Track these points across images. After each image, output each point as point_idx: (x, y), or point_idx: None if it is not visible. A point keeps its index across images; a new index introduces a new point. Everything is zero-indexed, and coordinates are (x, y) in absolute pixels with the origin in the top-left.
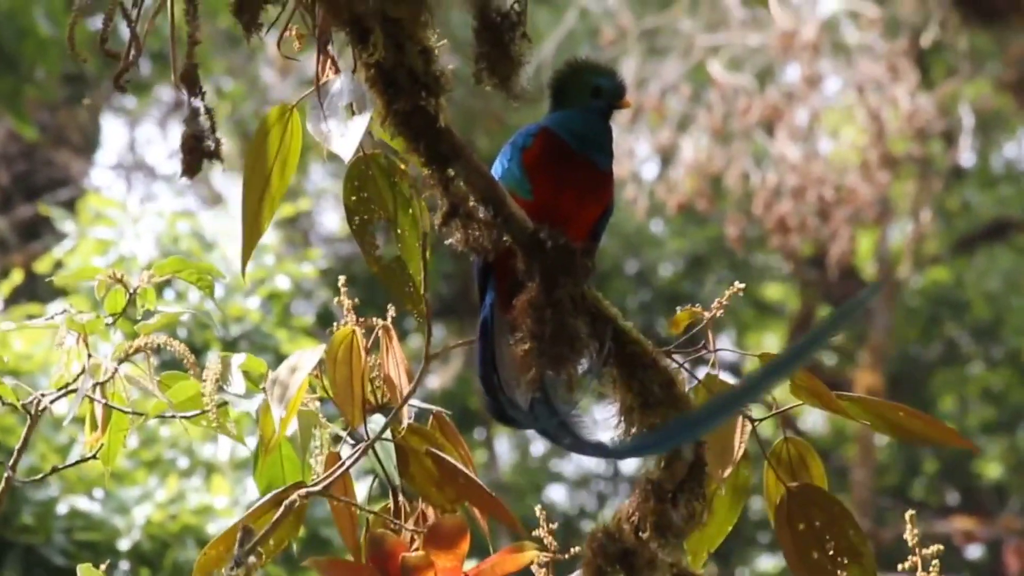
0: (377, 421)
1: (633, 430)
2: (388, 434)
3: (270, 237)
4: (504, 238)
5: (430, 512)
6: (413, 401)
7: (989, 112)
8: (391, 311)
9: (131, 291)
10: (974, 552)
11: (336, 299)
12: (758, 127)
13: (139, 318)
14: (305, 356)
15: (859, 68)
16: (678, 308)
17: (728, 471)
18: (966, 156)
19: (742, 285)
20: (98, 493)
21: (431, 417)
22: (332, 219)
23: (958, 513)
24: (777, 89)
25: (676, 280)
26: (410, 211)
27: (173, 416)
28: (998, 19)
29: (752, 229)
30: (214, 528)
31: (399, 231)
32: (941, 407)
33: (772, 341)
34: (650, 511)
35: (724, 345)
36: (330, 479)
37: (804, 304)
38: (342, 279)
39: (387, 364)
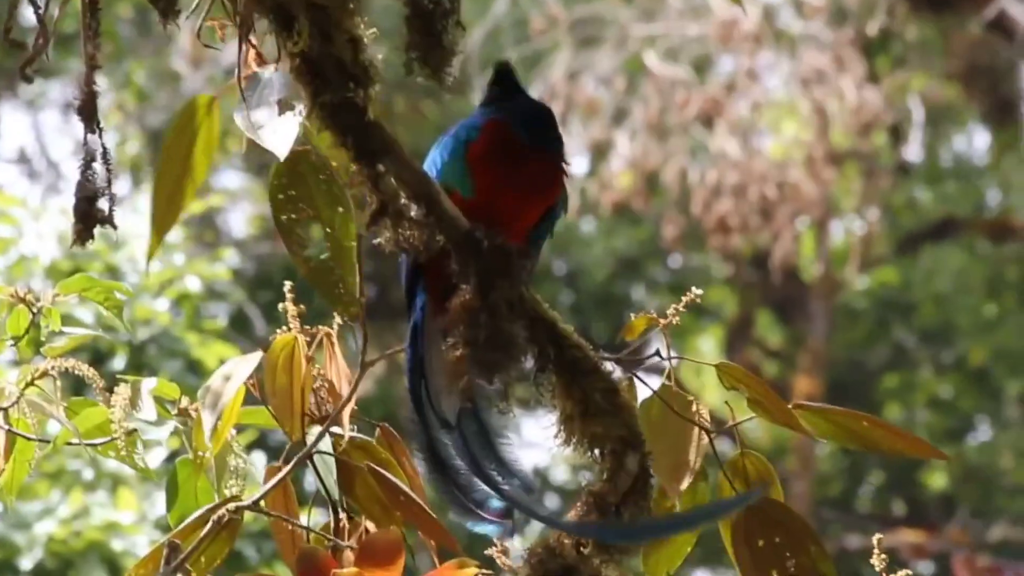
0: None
1: (574, 440)
2: (330, 448)
3: (178, 235)
4: (437, 238)
5: (374, 531)
6: (357, 413)
7: (938, 105)
8: (337, 318)
9: (34, 311)
10: (924, 567)
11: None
12: (696, 121)
13: (43, 339)
14: (240, 363)
15: (803, 59)
16: (632, 315)
17: (684, 485)
18: (914, 151)
19: (699, 292)
20: None
21: (376, 430)
22: (243, 219)
23: (904, 525)
24: (716, 81)
25: (608, 282)
26: (340, 209)
27: (80, 443)
28: (948, 7)
29: (690, 229)
30: (120, 545)
31: (328, 230)
32: (887, 414)
33: (709, 346)
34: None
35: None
36: (264, 494)
37: (743, 308)
38: (288, 285)
39: (330, 373)
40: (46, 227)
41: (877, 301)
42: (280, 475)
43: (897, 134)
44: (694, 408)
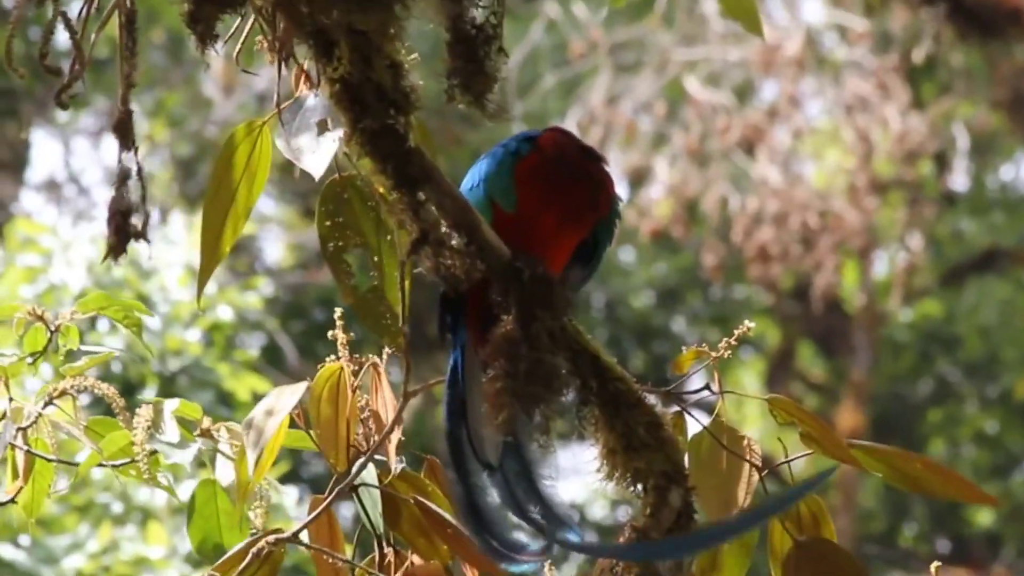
0: (366, 467)
1: (616, 474)
2: (375, 481)
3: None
4: (478, 267)
5: (420, 565)
6: (403, 445)
7: (984, 133)
8: (386, 349)
9: (52, 329)
10: None
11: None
12: (737, 148)
13: (62, 358)
14: (284, 395)
15: (846, 86)
16: (672, 347)
17: None
18: (959, 180)
19: (752, 324)
20: (24, 540)
21: (424, 463)
22: (277, 246)
23: (949, 563)
24: (758, 108)
25: (647, 313)
26: (389, 237)
27: (102, 465)
28: (996, 33)
29: (730, 258)
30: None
31: (376, 259)
32: (931, 449)
33: (749, 379)
34: (635, 562)
35: (698, 384)
36: (304, 526)
37: (785, 340)
38: (338, 312)
39: (376, 404)
40: (75, 255)
41: (921, 334)
42: (322, 506)
43: (942, 163)
44: (745, 444)
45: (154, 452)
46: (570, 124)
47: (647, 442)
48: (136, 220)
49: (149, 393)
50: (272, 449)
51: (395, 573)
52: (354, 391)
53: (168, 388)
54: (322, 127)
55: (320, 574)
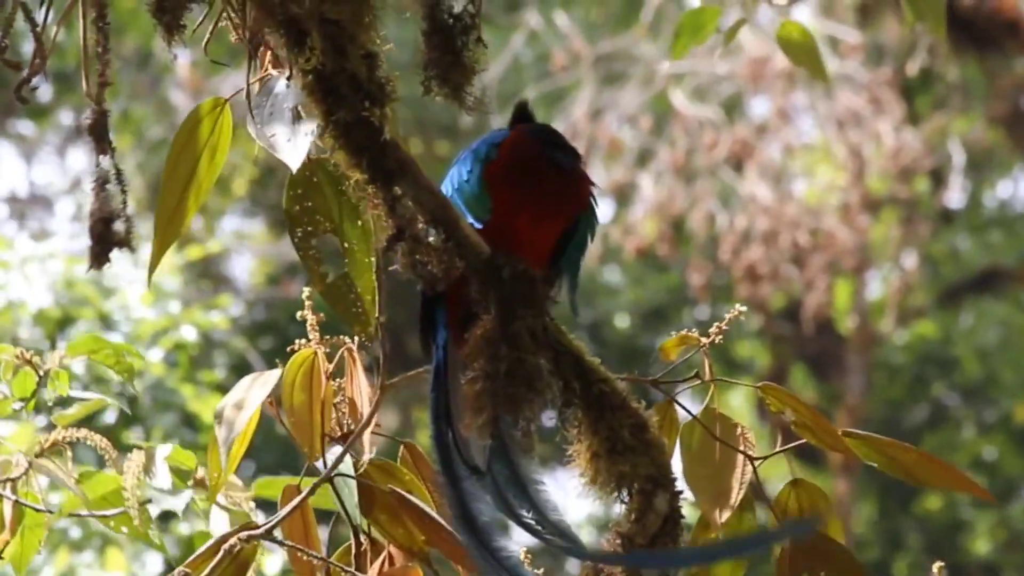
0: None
1: (600, 479)
2: (350, 469)
3: (174, 283)
4: (456, 264)
5: (397, 555)
6: (379, 431)
7: (981, 149)
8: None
9: (41, 374)
10: None
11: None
12: (725, 164)
13: (49, 403)
14: (256, 381)
15: (838, 100)
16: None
17: (726, 516)
18: (955, 197)
19: (743, 308)
20: None
21: (400, 450)
22: (245, 264)
23: None
24: (747, 122)
25: (633, 333)
26: (359, 223)
27: (92, 515)
28: (993, 46)
29: (718, 277)
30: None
31: (346, 245)
32: None
33: (738, 401)
34: (619, 569)
35: (685, 403)
36: (276, 521)
37: (775, 362)
38: (306, 291)
39: (350, 390)
40: (34, 271)
41: (916, 356)
42: (296, 500)
43: (938, 179)
44: (739, 433)
45: (147, 501)
46: None
47: (632, 445)
48: (118, 227)
49: (110, 415)
50: (243, 441)
51: (371, 563)
52: (328, 377)
53: (131, 409)
54: (295, 115)
55: (295, 567)
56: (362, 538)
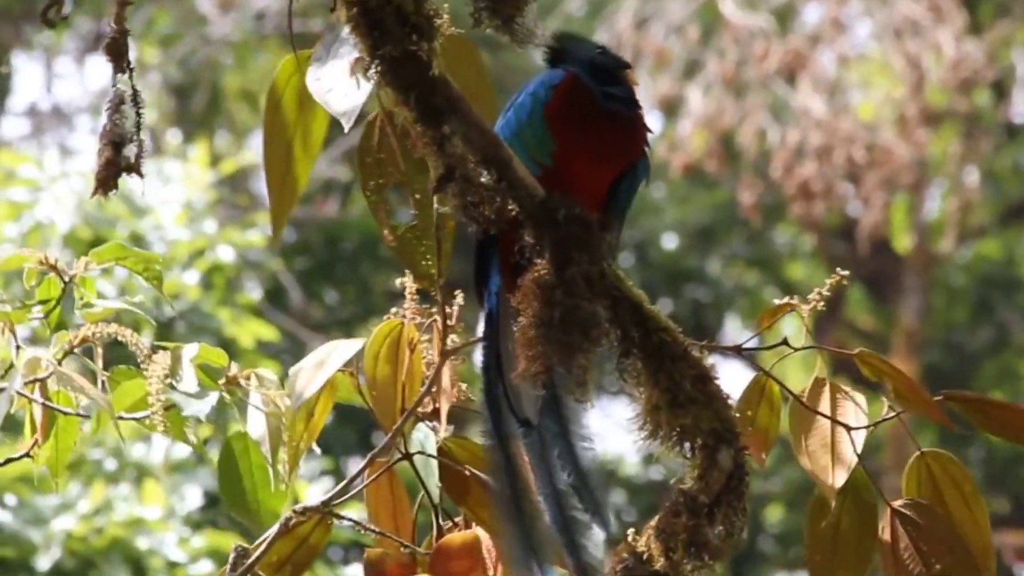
0: (423, 431)
1: (661, 433)
2: (433, 448)
3: (206, 199)
4: (509, 207)
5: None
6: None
7: None
8: (458, 298)
9: (66, 280)
10: None
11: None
12: (777, 76)
13: (77, 310)
14: (338, 348)
15: (896, 8)
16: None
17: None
18: (1019, 110)
19: (846, 272)
20: (10, 500)
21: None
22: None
23: (1008, 525)
24: (800, 32)
25: (680, 255)
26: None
27: (123, 418)
28: None
29: (769, 195)
30: (146, 543)
31: (416, 196)
32: None
33: (791, 328)
34: (683, 527)
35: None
36: (333, 495)
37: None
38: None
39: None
40: (63, 190)
41: (978, 277)
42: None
43: (1000, 92)
44: (848, 401)
45: (172, 406)
46: None
47: (694, 397)
48: (129, 151)
49: (145, 341)
50: (325, 408)
51: None
52: (413, 349)
53: (165, 334)
54: (356, 66)
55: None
56: (443, 521)
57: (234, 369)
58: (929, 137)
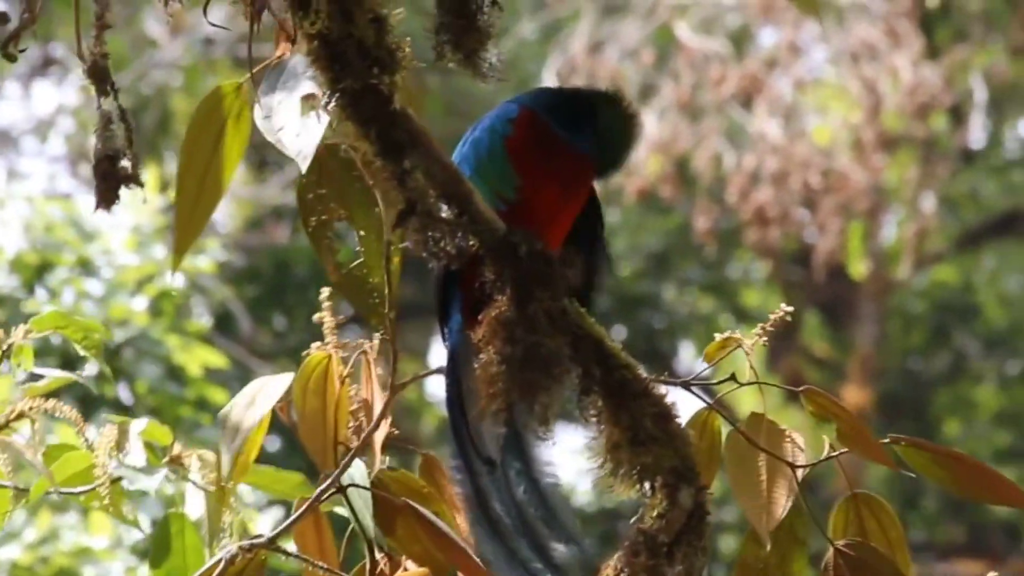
0: (355, 463)
1: (621, 471)
2: (366, 480)
3: (154, 223)
4: (470, 242)
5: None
6: (397, 439)
7: (1003, 84)
8: (375, 335)
9: (3, 347)
10: None
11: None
12: (733, 100)
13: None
14: (267, 384)
15: (852, 32)
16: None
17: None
18: (976, 136)
19: (790, 308)
20: None
21: (420, 460)
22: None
23: (964, 554)
24: (756, 56)
25: (634, 280)
26: (376, 210)
27: (61, 492)
28: None
29: (725, 221)
30: (92, 573)
31: (361, 233)
32: (946, 431)
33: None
34: (641, 567)
35: (690, 360)
36: (281, 528)
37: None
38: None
39: (367, 395)
40: (9, 214)
41: (935, 303)
42: (302, 509)
43: (957, 117)
44: (788, 440)
45: (118, 479)
46: (549, 74)
47: (655, 435)
48: (124, 163)
49: (91, 368)
50: (253, 443)
51: None
52: (343, 381)
53: (112, 361)
54: (308, 104)
55: None
56: (378, 555)
57: (177, 448)
58: (886, 162)
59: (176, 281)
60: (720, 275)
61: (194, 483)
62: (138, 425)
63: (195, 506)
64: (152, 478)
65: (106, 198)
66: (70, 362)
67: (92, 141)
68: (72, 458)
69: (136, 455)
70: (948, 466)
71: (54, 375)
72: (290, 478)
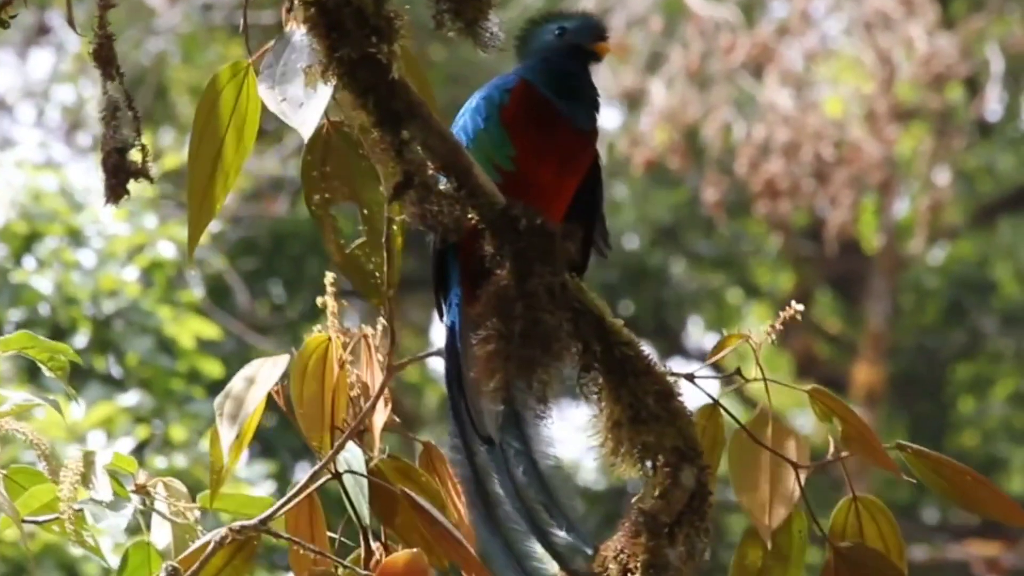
0: (352, 449)
1: (622, 449)
2: (362, 466)
3: (146, 192)
4: (469, 215)
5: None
6: (395, 426)
7: (1020, 55)
8: (379, 320)
9: None
10: None
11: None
12: (743, 70)
13: None
14: (265, 366)
15: (866, 1)
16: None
17: (776, 523)
18: (992, 108)
19: (800, 307)
20: None
21: (421, 448)
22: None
23: (977, 536)
24: (767, 25)
25: (641, 254)
26: (381, 189)
27: (25, 521)
28: None
29: (734, 193)
30: (79, 549)
31: (364, 212)
32: (960, 409)
33: (756, 325)
34: (642, 548)
35: (698, 334)
36: (274, 511)
37: (798, 285)
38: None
39: (366, 379)
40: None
41: (950, 279)
42: (292, 492)
43: (973, 88)
44: (791, 438)
45: (79, 511)
46: None
47: (657, 414)
48: (133, 155)
49: (80, 340)
50: (251, 425)
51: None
52: (342, 365)
53: (102, 333)
54: (311, 76)
55: (294, 567)
56: (373, 544)
57: (142, 477)
58: (899, 134)
59: (190, 273)
60: (730, 249)
61: (159, 513)
62: (103, 457)
63: (161, 535)
64: (120, 515)
65: (116, 192)
66: (60, 332)
67: (94, 125)
68: (38, 492)
69: (103, 489)
70: (950, 477)
71: (17, 399)
72: (261, 502)
